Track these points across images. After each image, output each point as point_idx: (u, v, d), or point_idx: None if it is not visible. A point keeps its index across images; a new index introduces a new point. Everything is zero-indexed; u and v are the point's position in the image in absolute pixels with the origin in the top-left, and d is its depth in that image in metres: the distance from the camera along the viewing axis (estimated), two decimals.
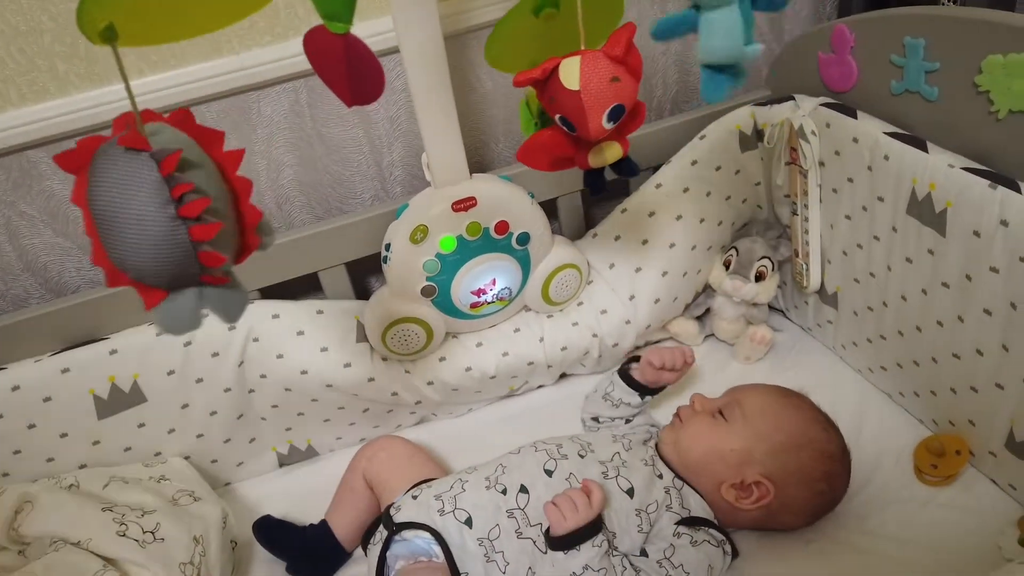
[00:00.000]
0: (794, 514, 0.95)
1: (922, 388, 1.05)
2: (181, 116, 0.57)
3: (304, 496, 1.10)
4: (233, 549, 1.01)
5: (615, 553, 0.88)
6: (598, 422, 1.10)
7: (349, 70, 0.69)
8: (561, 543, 0.85)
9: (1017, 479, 0.95)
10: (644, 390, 1.07)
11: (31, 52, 0.97)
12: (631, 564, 0.87)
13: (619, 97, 0.71)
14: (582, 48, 0.71)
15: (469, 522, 0.90)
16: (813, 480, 0.93)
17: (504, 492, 0.92)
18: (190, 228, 0.53)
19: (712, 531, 0.92)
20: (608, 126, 0.72)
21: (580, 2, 0.69)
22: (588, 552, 0.84)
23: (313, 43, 0.69)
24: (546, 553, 0.87)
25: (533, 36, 0.80)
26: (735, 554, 0.93)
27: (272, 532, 1.01)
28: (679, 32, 0.64)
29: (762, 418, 0.95)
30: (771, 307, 1.29)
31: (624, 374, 1.09)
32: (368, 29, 0.69)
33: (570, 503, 0.85)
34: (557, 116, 0.74)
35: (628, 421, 1.09)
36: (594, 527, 0.85)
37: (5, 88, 0.98)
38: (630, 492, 0.91)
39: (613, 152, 0.78)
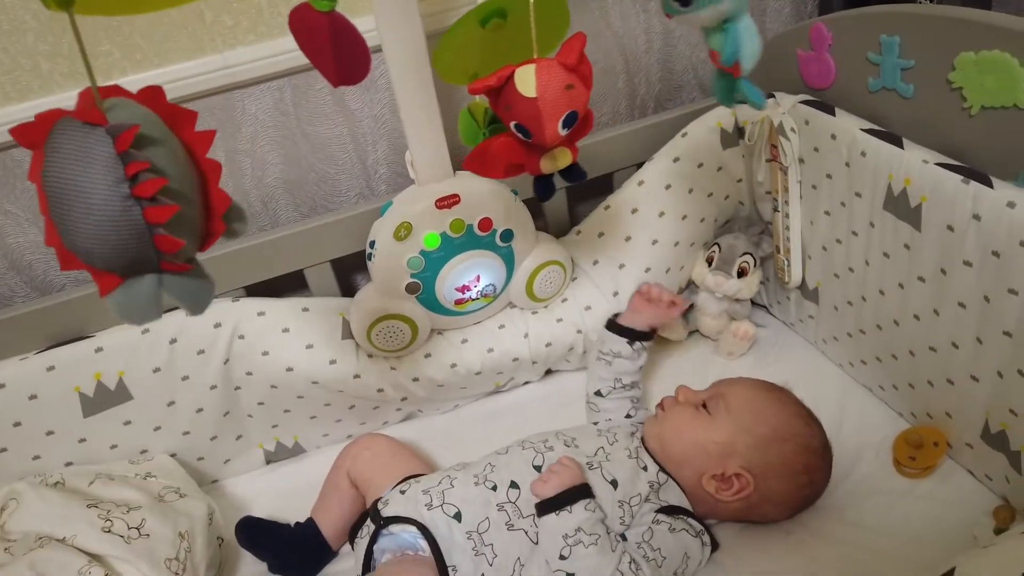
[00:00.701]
0: (775, 506, 0.96)
1: (900, 381, 1.07)
2: (150, 93, 0.54)
3: (291, 493, 1.10)
4: (219, 546, 1.01)
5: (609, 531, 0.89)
6: (601, 396, 1.09)
7: (335, 49, 0.69)
8: (549, 505, 0.86)
9: (993, 470, 0.96)
10: (631, 333, 1.09)
11: (14, 51, 0.97)
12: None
13: (573, 104, 0.72)
14: (535, 57, 0.71)
15: (458, 516, 0.91)
16: (794, 473, 0.94)
17: (494, 488, 0.93)
18: (144, 209, 0.49)
19: (690, 520, 0.93)
20: (563, 132, 0.73)
21: (532, 13, 0.70)
22: (581, 514, 0.85)
23: (298, 20, 0.69)
24: (538, 544, 0.88)
25: (480, 47, 0.80)
26: (715, 546, 0.94)
27: (254, 532, 1.02)
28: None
29: (746, 411, 0.96)
30: (754, 303, 1.30)
31: (611, 324, 1.11)
32: None
33: (549, 471, 0.89)
34: (512, 123, 0.74)
35: (629, 415, 1.07)
36: (585, 490, 0.87)
37: None
38: (614, 483, 0.92)
39: (565, 158, 0.79)
